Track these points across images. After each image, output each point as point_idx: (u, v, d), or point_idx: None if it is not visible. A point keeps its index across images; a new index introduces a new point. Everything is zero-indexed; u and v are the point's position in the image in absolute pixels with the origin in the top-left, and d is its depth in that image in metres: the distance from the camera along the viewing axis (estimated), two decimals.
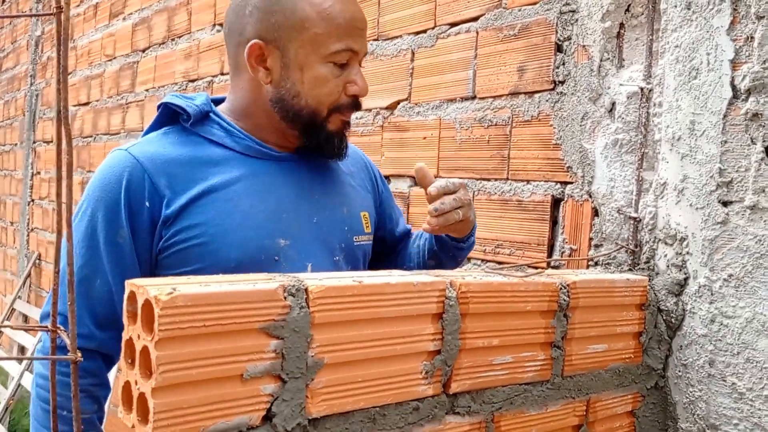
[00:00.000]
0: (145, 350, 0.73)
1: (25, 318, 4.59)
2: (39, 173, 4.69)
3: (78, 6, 4.07)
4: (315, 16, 1.09)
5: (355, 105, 1.17)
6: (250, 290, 0.77)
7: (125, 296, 0.78)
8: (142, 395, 0.73)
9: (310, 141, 1.17)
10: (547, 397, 1.10)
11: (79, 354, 0.74)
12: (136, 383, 0.75)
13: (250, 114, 1.17)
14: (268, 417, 0.79)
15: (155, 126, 1.19)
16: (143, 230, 1.10)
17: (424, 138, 1.78)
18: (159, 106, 1.16)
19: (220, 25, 2.67)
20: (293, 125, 1.15)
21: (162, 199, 1.09)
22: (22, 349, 4.56)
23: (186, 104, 1.14)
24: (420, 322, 0.92)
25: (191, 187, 1.10)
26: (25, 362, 3.86)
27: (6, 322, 4.53)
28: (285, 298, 0.80)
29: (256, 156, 1.16)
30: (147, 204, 1.09)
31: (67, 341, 0.68)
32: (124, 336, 0.78)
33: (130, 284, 0.76)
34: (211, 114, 1.16)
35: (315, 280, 0.85)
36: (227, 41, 1.18)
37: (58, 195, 0.73)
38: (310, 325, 0.82)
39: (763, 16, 1.10)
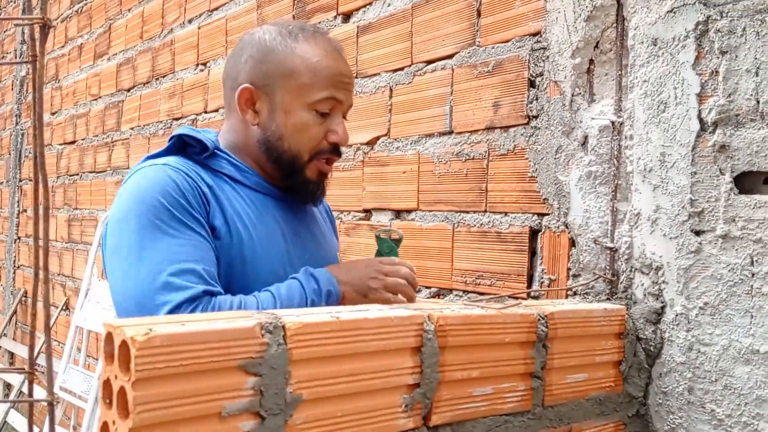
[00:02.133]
0: (122, 390, 0.73)
1: (12, 355, 4.53)
2: (25, 211, 4.68)
3: (63, 47, 4.11)
4: (303, 67, 1.18)
5: (335, 152, 1.23)
6: (228, 328, 0.78)
7: (104, 336, 0.78)
8: None
9: (288, 183, 1.24)
10: (529, 428, 1.10)
11: (56, 395, 0.74)
12: (113, 423, 0.75)
13: (243, 152, 1.24)
14: None
15: (164, 155, 1.21)
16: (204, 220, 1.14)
17: (404, 172, 1.81)
18: (172, 138, 1.20)
19: (204, 64, 2.71)
20: (276, 166, 1.22)
21: (208, 209, 1.14)
22: (8, 386, 4.50)
23: (203, 137, 1.20)
24: (398, 356, 0.93)
25: (220, 210, 1.16)
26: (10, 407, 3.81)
27: None
28: (263, 335, 0.81)
29: (262, 192, 1.24)
30: (202, 203, 1.13)
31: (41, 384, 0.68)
32: (102, 376, 0.78)
33: (107, 325, 0.77)
34: (217, 150, 1.22)
35: (292, 316, 0.86)
36: (224, 86, 1.26)
37: (36, 238, 0.75)
38: (288, 361, 0.82)
39: (727, 51, 1.14)
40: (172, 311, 1.04)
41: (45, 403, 3.30)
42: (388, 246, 1.32)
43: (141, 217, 1.08)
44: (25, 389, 3.76)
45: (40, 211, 0.71)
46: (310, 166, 1.22)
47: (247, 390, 0.79)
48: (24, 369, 0.74)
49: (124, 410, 0.73)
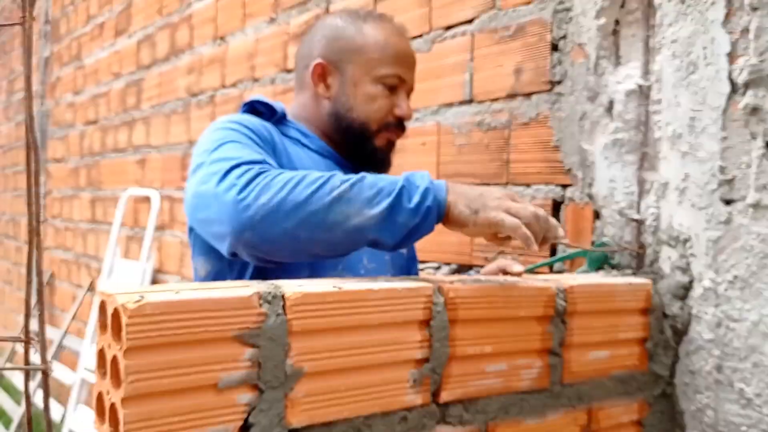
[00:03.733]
0: (114, 360, 0.71)
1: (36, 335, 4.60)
2: (51, 192, 4.73)
3: (85, 26, 4.11)
4: (372, 44, 1.28)
5: (400, 126, 1.31)
6: (223, 297, 0.75)
7: (98, 306, 0.76)
8: (113, 406, 0.71)
9: (357, 152, 1.30)
10: (546, 406, 1.06)
11: (50, 363, 0.72)
12: (107, 393, 0.73)
13: (312, 126, 1.33)
14: (245, 428, 0.77)
15: None
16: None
17: (423, 144, 1.76)
18: (245, 104, 1.28)
19: (221, 38, 2.67)
20: (345, 137, 1.29)
21: (274, 153, 1.18)
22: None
23: (273, 104, 1.28)
24: (406, 329, 0.89)
25: (287, 160, 1.21)
26: (37, 380, 3.87)
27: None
28: (260, 305, 0.77)
29: (327, 156, 1.30)
30: (271, 148, 1.18)
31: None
32: (97, 346, 0.76)
33: (101, 293, 0.74)
34: (285, 119, 1.31)
35: (293, 286, 0.82)
36: (297, 65, 1.37)
37: (29, 204, 0.72)
38: (288, 332, 0.79)
39: (758, 8, 1.07)
40: (227, 173, 1.01)
41: (70, 387, 3.31)
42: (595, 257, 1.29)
43: (220, 130, 1.15)
44: (63, 376, 3.81)
45: (34, 192, 0.68)
46: (379, 137, 1.29)
47: (245, 361, 0.76)
48: (20, 337, 0.72)
49: (117, 380, 0.71)
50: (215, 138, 1.13)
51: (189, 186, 1.11)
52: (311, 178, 0.98)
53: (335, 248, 1.00)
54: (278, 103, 1.30)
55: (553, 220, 1.00)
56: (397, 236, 0.97)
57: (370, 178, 0.99)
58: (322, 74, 1.30)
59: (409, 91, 1.34)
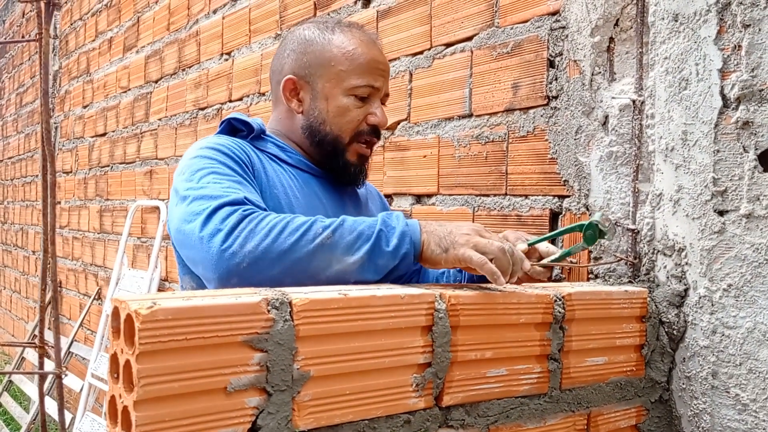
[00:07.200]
0: (127, 364, 0.74)
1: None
2: (59, 203, 4.77)
3: (93, 41, 4.17)
4: (340, 56, 1.27)
5: (374, 134, 1.31)
6: (232, 303, 0.78)
7: (110, 312, 0.79)
8: (125, 408, 0.74)
9: (331, 166, 1.31)
10: (545, 411, 1.08)
11: (64, 368, 0.75)
12: (120, 397, 0.75)
13: (288, 139, 1.34)
14: (253, 430, 0.80)
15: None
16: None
17: (424, 156, 1.79)
18: (223, 122, 1.30)
19: (228, 54, 2.72)
20: (319, 150, 1.30)
21: (254, 174, 1.20)
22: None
23: (250, 121, 1.30)
24: (409, 334, 0.92)
25: (266, 180, 1.22)
26: (45, 387, 3.89)
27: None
28: (268, 311, 0.81)
29: (305, 170, 1.31)
30: (251, 169, 1.20)
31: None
32: (110, 350, 0.79)
33: (114, 300, 0.78)
34: (263, 134, 1.32)
35: (300, 293, 0.85)
36: (271, 81, 1.36)
37: (44, 215, 0.76)
38: (295, 337, 0.82)
39: (749, 25, 1.10)
40: (210, 215, 1.03)
41: (80, 391, 3.33)
42: (590, 233, 1.22)
43: (200, 158, 1.16)
44: (70, 383, 3.82)
45: (49, 196, 0.72)
46: (350, 149, 1.29)
47: (253, 366, 0.79)
48: (35, 343, 0.76)
49: (130, 384, 0.73)
50: (196, 167, 1.14)
51: (172, 217, 1.13)
52: (295, 224, 1.01)
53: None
54: (256, 120, 1.31)
55: (519, 253, 1.04)
56: (377, 276, 1.03)
57: (349, 221, 1.03)
58: (293, 90, 1.29)
59: (385, 98, 1.32)
